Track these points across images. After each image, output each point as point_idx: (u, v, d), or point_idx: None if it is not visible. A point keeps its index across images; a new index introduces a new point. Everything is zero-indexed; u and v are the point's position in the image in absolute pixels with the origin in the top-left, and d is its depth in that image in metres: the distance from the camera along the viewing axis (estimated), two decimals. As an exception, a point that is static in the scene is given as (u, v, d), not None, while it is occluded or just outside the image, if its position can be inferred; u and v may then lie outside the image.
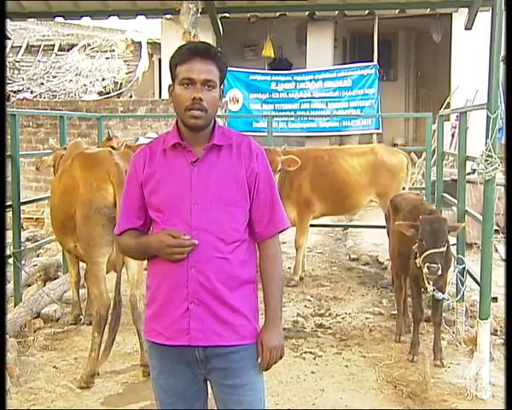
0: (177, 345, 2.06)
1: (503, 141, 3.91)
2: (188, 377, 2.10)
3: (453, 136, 10.67)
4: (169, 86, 2.12)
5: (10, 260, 5.23)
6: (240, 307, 2.07)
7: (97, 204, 3.90)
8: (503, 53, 3.73)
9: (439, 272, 3.96)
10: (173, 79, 2.08)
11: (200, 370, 2.10)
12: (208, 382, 2.16)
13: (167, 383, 2.12)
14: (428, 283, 4.08)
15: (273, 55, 12.74)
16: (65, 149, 5.25)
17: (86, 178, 4.00)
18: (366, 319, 5.25)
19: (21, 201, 5.52)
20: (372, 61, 11.80)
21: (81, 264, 4.99)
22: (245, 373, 2.09)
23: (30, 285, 5.91)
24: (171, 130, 2.15)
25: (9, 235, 5.29)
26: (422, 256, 3.99)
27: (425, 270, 3.97)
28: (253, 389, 2.12)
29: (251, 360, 2.10)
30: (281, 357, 2.13)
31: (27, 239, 7.66)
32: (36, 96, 12.94)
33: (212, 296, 2.03)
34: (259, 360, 2.10)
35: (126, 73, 13.90)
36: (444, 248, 4.01)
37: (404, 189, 6.47)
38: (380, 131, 11.75)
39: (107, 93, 13.37)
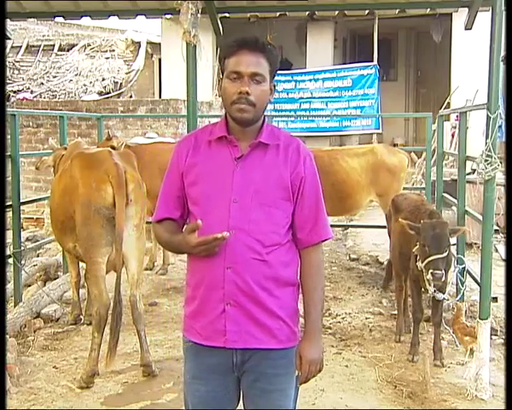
0: (213, 346, 2.01)
1: (504, 139, 3.90)
2: (220, 386, 2.06)
3: (453, 136, 10.68)
4: (218, 79, 2.04)
5: (10, 260, 5.23)
6: (277, 311, 2.01)
7: (96, 204, 3.90)
8: (503, 53, 3.73)
9: (443, 278, 3.97)
10: (222, 72, 2.01)
11: (234, 373, 2.05)
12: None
13: (198, 390, 2.07)
14: (429, 284, 4.08)
15: (273, 55, 12.73)
16: (65, 148, 5.25)
17: (85, 179, 3.99)
18: (366, 319, 5.25)
19: (21, 201, 5.52)
20: (372, 61, 11.81)
21: (81, 264, 4.99)
22: (278, 381, 2.04)
23: (30, 285, 5.91)
24: (220, 122, 2.07)
25: (9, 235, 5.29)
26: (425, 262, 3.99)
27: (429, 276, 3.96)
28: (285, 395, 2.07)
29: (285, 367, 2.05)
30: (320, 370, 2.06)
31: (27, 239, 7.66)
32: (36, 96, 12.95)
33: (249, 298, 1.97)
34: (297, 373, 2.04)
35: (126, 73, 13.91)
36: (446, 253, 4.01)
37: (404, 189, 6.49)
38: (380, 131, 11.76)
39: (107, 93, 13.37)
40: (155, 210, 2.15)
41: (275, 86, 2.06)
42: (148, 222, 6.32)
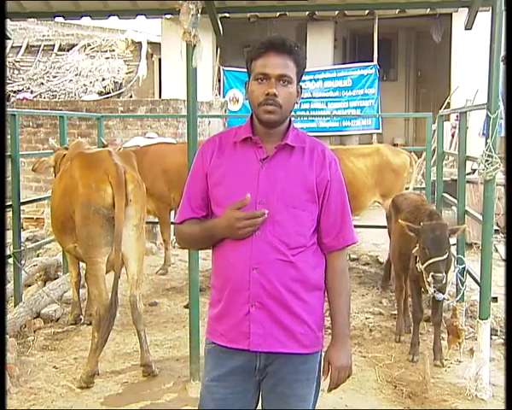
0: (237, 348, 1.99)
1: (502, 133, 3.90)
2: (240, 388, 2.04)
3: (453, 136, 10.68)
4: (245, 83, 2.04)
5: (10, 260, 5.23)
6: (302, 314, 1.99)
7: (96, 204, 3.90)
8: (503, 53, 3.73)
9: (444, 281, 3.97)
10: (249, 74, 2.01)
11: (256, 377, 2.04)
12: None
13: (217, 392, 2.04)
14: (429, 285, 4.08)
15: (273, 55, 12.71)
16: (66, 149, 5.25)
17: (85, 179, 3.99)
18: (366, 319, 5.24)
19: (21, 201, 5.51)
20: (372, 61, 11.81)
21: (82, 264, 5.00)
22: (298, 386, 2.03)
23: (30, 285, 5.91)
24: (245, 124, 2.06)
25: (9, 235, 5.29)
26: (426, 264, 3.99)
27: (429, 279, 3.96)
28: (304, 401, 2.05)
29: (306, 373, 2.04)
30: (349, 375, 2.05)
31: (27, 239, 7.65)
32: (36, 96, 12.94)
33: (274, 300, 1.95)
34: (323, 379, 2.03)
35: (126, 73, 13.91)
36: (446, 255, 4.01)
37: (407, 189, 6.50)
38: (380, 131, 11.76)
39: (107, 93, 13.38)
40: (178, 211, 2.13)
41: (301, 88, 2.05)
42: (147, 222, 6.34)
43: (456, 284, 4.92)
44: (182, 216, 2.10)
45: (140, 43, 14.14)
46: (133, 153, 4.80)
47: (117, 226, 3.85)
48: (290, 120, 2.05)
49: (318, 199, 2.01)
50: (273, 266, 1.94)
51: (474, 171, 8.28)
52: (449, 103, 11.33)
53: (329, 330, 5.12)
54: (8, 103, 10.99)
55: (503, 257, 6.34)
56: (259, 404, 2.13)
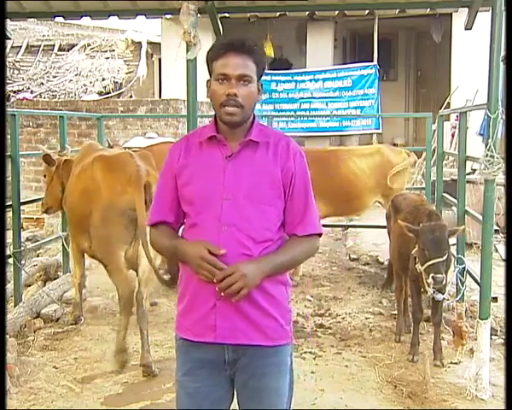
0: (203, 342, 2.02)
1: (502, 135, 3.90)
2: (210, 381, 2.06)
3: (453, 136, 10.68)
4: (207, 81, 2.07)
5: (10, 260, 5.23)
6: (268, 308, 2.02)
7: (121, 207, 3.96)
8: (503, 53, 3.73)
9: (444, 281, 3.97)
10: (210, 74, 2.04)
11: (226, 371, 2.05)
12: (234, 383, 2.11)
13: (189, 386, 2.07)
14: (429, 285, 4.08)
15: (273, 55, 12.72)
16: (59, 154, 5.35)
17: (109, 181, 4.05)
18: (366, 319, 5.25)
19: (21, 201, 5.51)
20: (372, 61, 11.80)
21: (85, 265, 5.03)
22: (270, 379, 2.05)
23: (30, 285, 5.91)
24: (210, 123, 2.10)
25: (9, 235, 5.29)
26: (425, 266, 3.99)
27: (429, 280, 3.96)
28: (277, 394, 2.07)
29: (277, 365, 2.06)
30: (243, 284, 1.89)
31: (27, 239, 7.65)
32: (36, 96, 12.95)
33: None
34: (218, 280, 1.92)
35: (126, 73, 13.92)
36: (446, 256, 4.01)
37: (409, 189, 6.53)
38: (380, 131, 11.76)
39: (107, 93, 13.39)
40: (150, 214, 2.18)
41: (262, 85, 2.09)
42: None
43: (456, 284, 4.92)
44: (153, 219, 2.15)
45: (140, 43, 14.15)
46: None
47: (141, 226, 3.86)
48: (254, 117, 2.09)
49: (284, 191, 2.04)
50: (238, 261, 1.95)
51: (474, 171, 8.28)
52: (449, 103, 11.33)
53: (329, 331, 5.12)
54: (8, 103, 10.99)
55: (503, 257, 6.34)
56: (237, 404, 2.14)
